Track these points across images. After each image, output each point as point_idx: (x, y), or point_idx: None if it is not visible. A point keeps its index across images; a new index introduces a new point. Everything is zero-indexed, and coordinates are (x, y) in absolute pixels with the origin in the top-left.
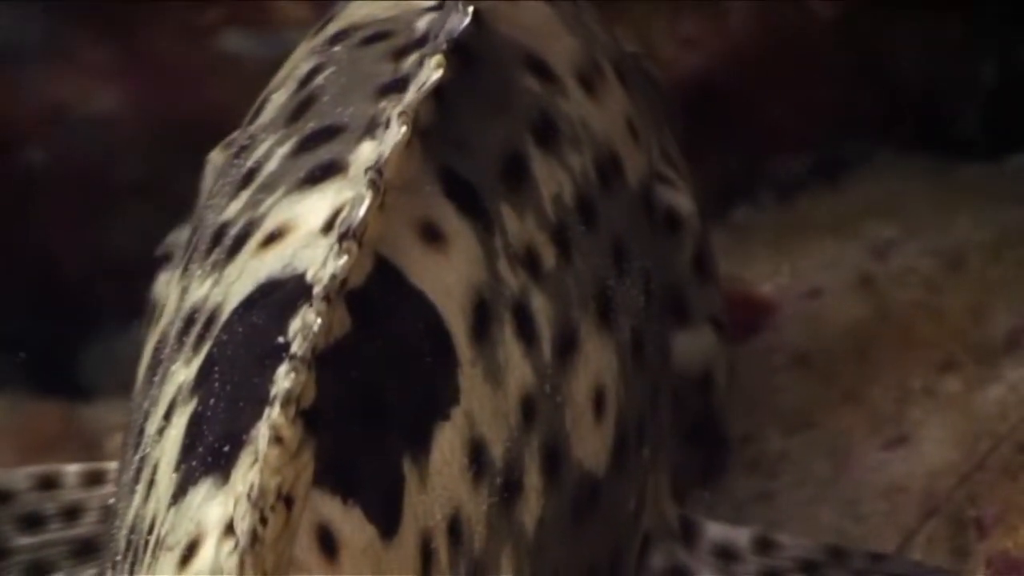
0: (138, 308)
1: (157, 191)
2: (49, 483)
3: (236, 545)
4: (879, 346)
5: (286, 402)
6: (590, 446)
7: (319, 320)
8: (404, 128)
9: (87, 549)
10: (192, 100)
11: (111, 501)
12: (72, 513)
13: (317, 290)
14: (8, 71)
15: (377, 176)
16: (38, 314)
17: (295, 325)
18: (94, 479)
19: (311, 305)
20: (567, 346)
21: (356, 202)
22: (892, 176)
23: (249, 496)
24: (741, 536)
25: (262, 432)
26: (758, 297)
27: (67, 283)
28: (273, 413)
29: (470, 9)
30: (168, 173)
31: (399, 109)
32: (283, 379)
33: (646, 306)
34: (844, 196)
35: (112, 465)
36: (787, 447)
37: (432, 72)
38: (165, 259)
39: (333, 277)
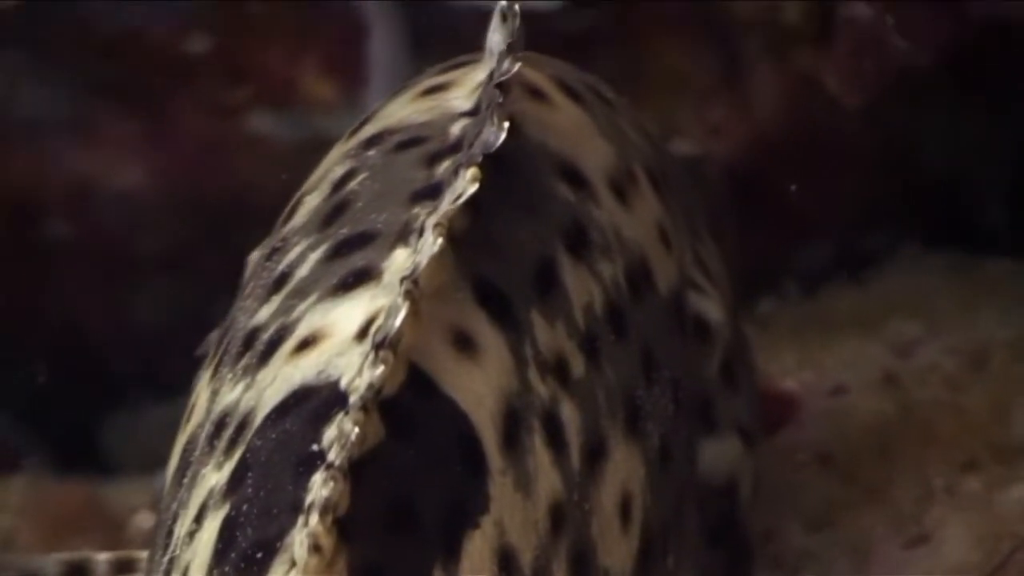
0: (161, 385)
1: (181, 268)
2: (79, 570)
3: None
4: (901, 445)
5: (324, 511)
6: (616, 554)
7: (356, 430)
8: (440, 240)
9: None
10: (217, 178)
11: None
12: None
13: (354, 399)
14: (35, 145)
15: (413, 286)
16: (60, 390)
17: (330, 433)
18: (124, 568)
19: (347, 414)
20: (595, 455)
21: (392, 312)
22: (916, 270)
23: None
24: None
25: (300, 540)
26: (782, 393)
27: (90, 358)
28: (311, 521)
29: (505, 124)
30: (192, 250)
31: (434, 220)
32: (320, 487)
33: (674, 415)
34: (868, 290)
35: (141, 554)
36: (809, 544)
37: (468, 185)
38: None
39: (370, 387)
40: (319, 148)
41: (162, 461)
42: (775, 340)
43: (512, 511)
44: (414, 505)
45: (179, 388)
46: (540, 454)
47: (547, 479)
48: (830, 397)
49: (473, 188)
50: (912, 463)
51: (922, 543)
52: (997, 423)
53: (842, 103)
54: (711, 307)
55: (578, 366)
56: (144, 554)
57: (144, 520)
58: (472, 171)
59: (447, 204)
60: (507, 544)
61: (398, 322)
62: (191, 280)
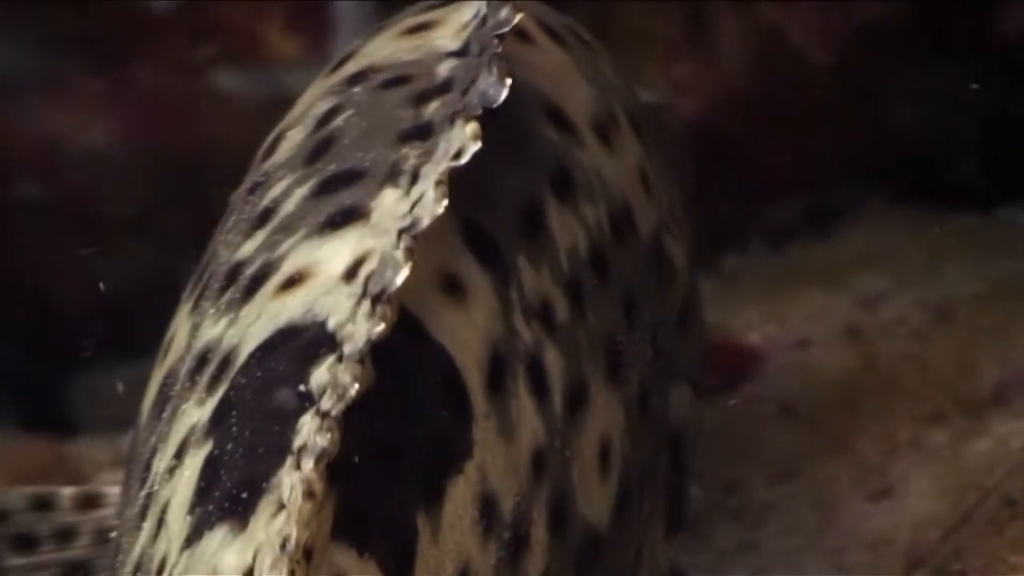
0: (129, 344)
1: (149, 226)
2: (44, 504)
3: None
4: (866, 397)
5: (319, 459)
6: (595, 501)
7: (356, 386)
8: (445, 201)
9: (78, 572)
10: (184, 136)
11: (112, 534)
12: (65, 535)
13: (349, 350)
14: (1, 104)
15: (413, 243)
16: (27, 349)
17: (321, 377)
18: (88, 502)
19: (342, 363)
20: (577, 401)
21: (391, 265)
22: (883, 226)
23: (284, 547)
24: None
25: (294, 485)
26: (746, 346)
27: (57, 318)
28: (305, 467)
29: (508, 80)
30: (160, 209)
31: (436, 176)
32: (315, 435)
33: (653, 360)
34: (835, 245)
35: (106, 489)
36: (772, 497)
37: (469, 142)
38: None
39: (368, 342)
40: (285, 104)
41: (128, 421)
42: (740, 295)
43: (495, 456)
44: (399, 449)
45: (147, 348)
46: (524, 400)
47: (530, 425)
48: (794, 350)
49: (476, 147)
50: (877, 416)
51: (887, 496)
52: (963, 376)
53: (809, 58)
54: (678, 250)
55: (562, 311)
56: (111, 489)
57: (109, 477)
58: (473, 126)
59: (444, 156)
60: (489, 490)
61: (399, 279)
62: (159, 239)
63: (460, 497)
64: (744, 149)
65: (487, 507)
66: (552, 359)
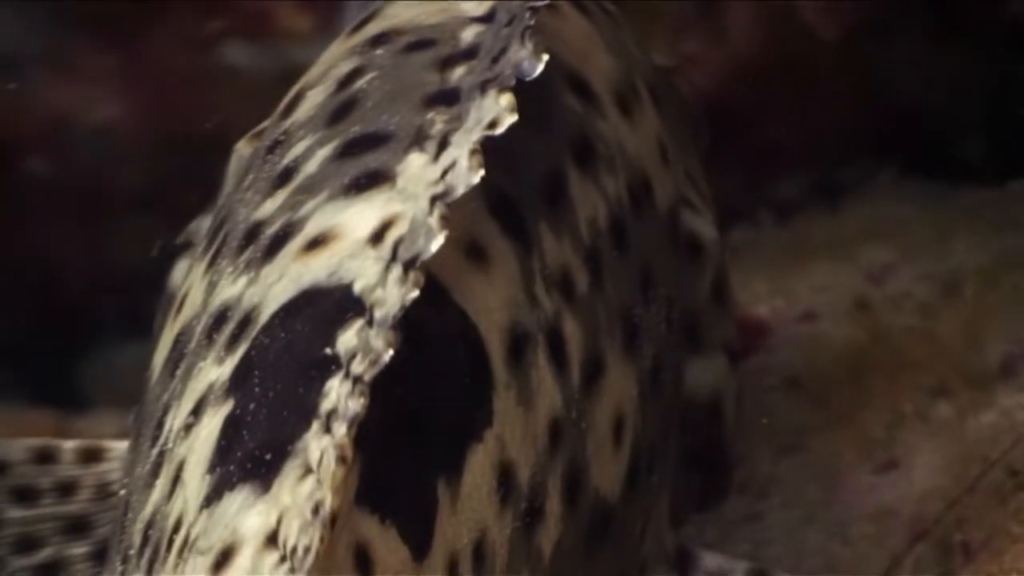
0: (137, 320)
1: (158, 202)
2: (46, 457)
3: (287, 559)
4: (872, 370)
5: (351, 424)
6: (607, 473)
7: (390, 352)
8: (482, 171)
9: (78, 526)
10: (193, 111)
11: (121, 492)
12: (66, 489)
13: (381, 315)
14: (10, 80)
15: (446, 210)
16: (36, 325)
17: (350, 342)
18: (91, 456)
19: (374, 329)
20: (594, 373)
21: (423, 232)
22: (891, 199)
23: (316, 512)
24: (737, 569)
25: (325, 450)
26: (753, 319)
27: (66, 294)
28: (338, 432)
29: (544, 56)
30: (169, 184)
31: (470, 145)
32: (346, 399)
33: (666, 334)
34: (842, 219)
35: (109, 443)
36: (777, 469)
37: (505, 114)
38: (185, 247)
39: (402, 308)
40: (294, 80)
41: (135, 398)
42: (748, 268)
43: (513, 426)
44: (421, 416)
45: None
46: (543, 370)
47: (548, 395)
48: (801, 323)
49: (512, 119)
50: (883, 389)
51: (891, 468)
52: (969, 349)
53: (818, 34)
54: (705, 226)
55: (582, 282)
56: (112, 444)
57: None
58: (508, 98)
59: (477, 125)
60: (507, 459)
61: (433, 247)
62: (168, 214)
63: (479, 466)
64: (753, 123)
65: (505, 477)
66: (571, 330)
